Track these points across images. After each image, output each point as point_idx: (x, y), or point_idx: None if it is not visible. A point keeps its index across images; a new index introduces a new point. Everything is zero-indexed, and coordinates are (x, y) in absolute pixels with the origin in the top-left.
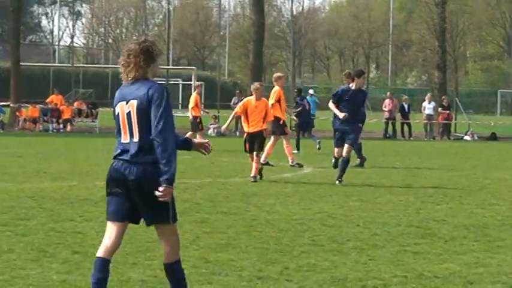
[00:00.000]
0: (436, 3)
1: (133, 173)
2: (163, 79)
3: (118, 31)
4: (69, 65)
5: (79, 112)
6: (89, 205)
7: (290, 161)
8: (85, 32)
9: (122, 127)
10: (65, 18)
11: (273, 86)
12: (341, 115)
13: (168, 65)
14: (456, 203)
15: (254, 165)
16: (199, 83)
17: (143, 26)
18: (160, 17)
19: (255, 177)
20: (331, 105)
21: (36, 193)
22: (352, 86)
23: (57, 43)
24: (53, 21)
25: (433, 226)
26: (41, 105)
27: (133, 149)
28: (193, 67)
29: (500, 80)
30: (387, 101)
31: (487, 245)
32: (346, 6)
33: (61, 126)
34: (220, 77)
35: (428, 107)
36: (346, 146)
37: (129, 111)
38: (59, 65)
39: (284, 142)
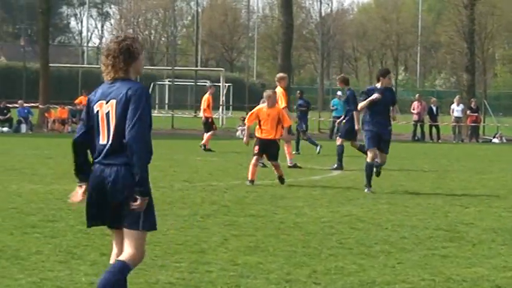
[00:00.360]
0: (465, 5)
1: (109, 176)
2: (192, 80)
3: (147, 32)
4: (98, 66)
5: None
6: None
7: (288, 162)
8: (113, 33)
9: (100, 127)
10: (93, 19)
11: (276, 87)
12: (374, 96)
13: (197, 67)
14: (485, 206)
15: (251, 168)
16: (211, 84)
17: (172, 27)
18: (189, 18)
19: (252, 181)
20: (360, 105)
21: (65, 194)
22: (379, 85)
23: (85, 44)
24: (81, 22)
25: (462, 229)
26: (70, 106)
27: (109, 150)
28: (222, 68)
29: None
30: (416, 103)
31: None
32: (374, 8)
33: None
34: (249, 79)
35: (456, 109)
36: (381, 154)
37: (108, 111)
38: (87, 66)
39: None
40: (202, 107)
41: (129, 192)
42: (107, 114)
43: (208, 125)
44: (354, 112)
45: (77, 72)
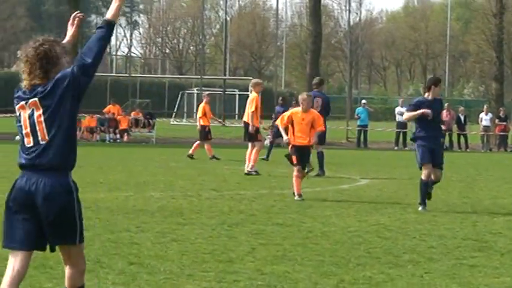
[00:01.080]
0: (494, 14)
1: (40, 188)
2: (220, 89)
3: (175, 41)
4: (127, 75)
5: (136, 122)
6: (145, 216)
7: (250, 167)
8: (142, 42)
9: (23, 129)
10: (122, 28)
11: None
12: (423, 110)
13: (225, 75)
14: None
15: (297, 182)
16: (207, 92)
17: (200, 36)
18: (218, 26)
19: (300, 195)
20: (406, 114)
21: (93, 203)
22: (429, 96)
23: (114, 53)
24: None
25: (490, 239)
26: (98, 115)
27: (38, 152)
28: (250, 77)
29: None
30: (444, 112)
31: None
32: (403, 17)
33: (118, 136)
34: (277, 88)
35: (485, 118)
36: (436, 169)
37: (32, 111)
38: (116, 74)
39: (250, 148)
40: (198, 116)
41: (63, 204)
42: (31, 114)
43: (204, 133)
44: None
45: (106, 81)
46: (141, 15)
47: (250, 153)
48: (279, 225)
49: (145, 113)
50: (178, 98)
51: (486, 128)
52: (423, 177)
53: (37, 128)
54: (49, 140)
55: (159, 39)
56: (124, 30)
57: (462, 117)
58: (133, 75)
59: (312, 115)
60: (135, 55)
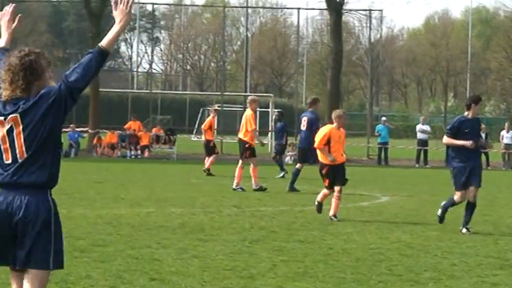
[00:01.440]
0: None
1: (15, 207)
2: (241, 106)
3: (196, 57)
4: (148, 91)
5: (157, 138)
6: (166, 232)
7: (254, 185)
8: (163, 58)
9: (1, 145)
10: (143, 44)
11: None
12: (468, 143)
13: (246, 92)
14: None
15: (334, 202)
16: (215, 106)
17: (221, 52)
18: (238, 43)
19: (335, 215)
20: (446, 139)
21: (114, 219)
22: (468, 114)
23: (135, 69)
24: (131, 47)
25: (511, 257)
26: (119, 131)
27: (15, 170)
28: (271, 94)
29: None
30: None
31: None
32: (424, 34)
33: (139, 152)
34: (298, 104)
35: (506, 136)
36: (472, 188)
37: (11, 126)
38: (137, 91)
39: (251, 166)
40: (203, 129)
41: (41, 223)
42: (9, 130)
43: (210, 148)
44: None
45: (127, 97)
46: (162, 31)
47: (240, 170)
48: (300, 242)
49: (166, 129)
50: (199, 115)
51: (507, 146)
52: (455, 198)
53: (16, 145)
54: (27, 158)
55: (180, 56)
56: (145, 47)
57: (484, 135)
58: (155, 91)
59: (343, 134)
60: (156, 71)
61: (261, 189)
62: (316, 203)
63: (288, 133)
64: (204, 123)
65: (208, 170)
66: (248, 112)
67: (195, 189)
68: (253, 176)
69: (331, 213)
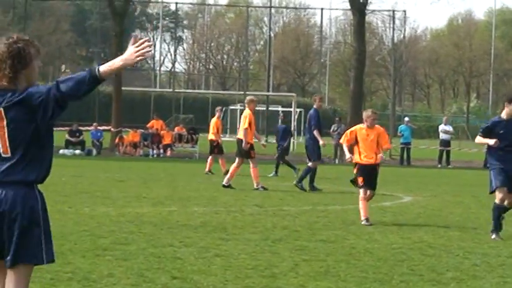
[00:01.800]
0: None
1: (4, 201)
2: (263, 105)
3: (219, 57)
4: (170, 90)
5: (179, 137)
6: (188, 230)
7: (255, 184)
8: (186, 57)
9: None
10: (166, 43)
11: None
12: (491, 142)
13: (268, 92)
14: None
15: (364, 205)
16: (219, 107)
17: (244, 52)
18: (261, 43)
19: (367, 219)
20: (477, 139)
21: (136, 218)
22: (504, 115)
23: (158, 68)
24: (154, 46)
25: None
26: (142, 130)
27: (2, 166)
28: (293, 94)
29: None
30: None
31: None
32: (447, 35)
33: (161, 151)
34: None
35: None
36: (511, 196)
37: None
38: (159, 90)
39: (251, 165)
40: (210, 131)
41: (31, 217)
42: None
43: (212, 148)
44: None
45: (149, 96)
46: (186, 30)
47: (235, 168)
48: (322, 242)
49: (189, 128)
50: (222, 114)
51: None
52: (497, 201)
53: None
54: (12, 155)
55: (203, 55)
56: (168, 46)
57: None
58: (177, 90)
59: (376, 131)
60: (178, 70)
61: (263, 188)
62: (364, 222)
63: (292, 135)
64: (211, 126)
65: (226, 171)
66: (246, 112)
67: (217, 188)
68: (254, 176)
69: (363, 217)
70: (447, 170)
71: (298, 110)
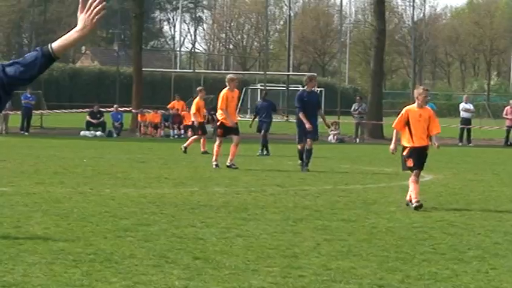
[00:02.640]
0: None
1: None
2: (284, 85)
3: (239, 37)
4: (190, 70)
5: None
6: (210, 211)
7: (229, 160)
8: (206, 37)
9: None
10: (186, 24)
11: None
12: None
13: (288, 71)
14: None
15: (415, 187)
16: (201, 87)
17: (264, 31)
18: (281, 22)
19: (418, 201)
20: None
21: (158, 199)
22: None
23: (178, 49)
24: (174, 26)
25: None
26: (162, 111)
27: None
28: (314, 73)
29: None
30: (508, 108)
31: None
32: (467, 13)
33: (182, 132)
34: (341, 83)
35: None
36: None
37: None
38: (180, 70)
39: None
40: (191, 112)
41: None
42: None
43: (195, 128)
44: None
45: (170, 77)
46: (205, 11)
47: (232, 148)
48: (343, 221)
49: (209, 109)
50: (242, 94)
51: None
52: None
53: None
54: None
55: (223, 35)
56: (188, 26)
57: None
58: (197, 71)
59: (428, 112)
60: (199, 51)
61: (233, 166)
62: (415, 204)
63: (275, 112)
64: (192, 106)
65: (185, 148)
66: (223, 91)
67: (239, 168)
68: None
69: (414, 198)
70: (468, 148)
71: (318, 89)
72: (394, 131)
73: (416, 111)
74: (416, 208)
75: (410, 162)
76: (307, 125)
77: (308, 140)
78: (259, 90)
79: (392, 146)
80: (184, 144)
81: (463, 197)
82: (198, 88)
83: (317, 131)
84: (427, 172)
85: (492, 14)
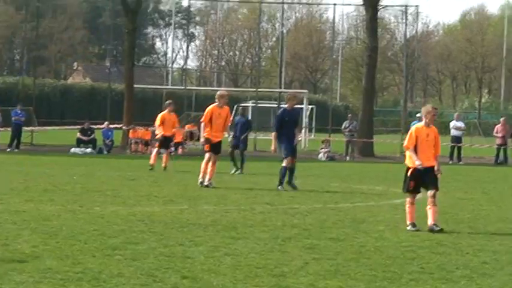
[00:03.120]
0: None
1: None
2: (275, 102)
3: (231, 53)
4: (182, 87)
5: (191, 135)
6: (199, 229)
7: (207, 179)
8: (198, 54)
9: None
10: (178, 40)
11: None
12: None
13: (280, 88)
14: None
15: (431, 209)
16: (170, 101)
17: (256, 48)
18: (274, 39)
19: (413, 224)
20: None
21: (147, 217)
22: None
23: (170, 65)
24: (166, 43)
25: None
26: (153, 128)
27: None
28: (305, 90)
29: None
30: (499, 126)
31: None
32: (459, 30)
33: (172, 149)
34: (332, 101)
35: None
36: None
37: None
38: (171, 87)
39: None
40: (156, 124)
41: None
42: None
43: (160, 141)
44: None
45: (161, 93)
46: (198, 27)
47: (211, 165)
48: (332, 240)
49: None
50: (233, 111)
51: None
52: None
53: None
54: None
55: (215, 52)
56: (180, 42)
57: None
58: (189, 87)
59: (434, 132)
60: (190, 67)
61: (210, 186)
62: (409, 228)
63: (251, 129)
64: (157, 119)
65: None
66: (210, 106)
67: (227, 186)
68: (205, 171)
69: (431, 222)
70: (458, 167)
71: (310, 106)
72: (409, 151)
73: (424, 131)
74: (432, 231)
75: (412, 185)
76: (273, 147)
77: (289, 158)
78: (250, 107)
79: (418, 162)
80: (150, 161)
81: (452, 216)
82: (167, 102)
83: (295, 149)
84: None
85: (484, 31)
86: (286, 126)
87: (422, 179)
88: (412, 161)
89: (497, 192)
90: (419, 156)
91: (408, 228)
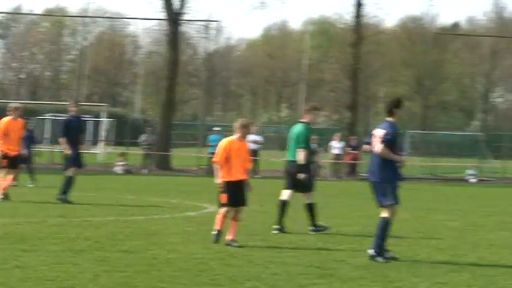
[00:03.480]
0: (351, 44)
1: None
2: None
3: (32, 66)
4: None
5: None
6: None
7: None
8: None
9: None
10: None
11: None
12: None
13: (80, 102)
14: (356, 244)
15: (233, 224)
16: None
17: (57, 62)
18: (74, 52)
19: (234, 241)
20: None
21: None
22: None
23: None
24: None
25: (332, 266)
26: None
27: None
28: (105, 104)
29: (409, 121)
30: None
31: (384, 285)
32: (261, 45)
33: None
34: (132, 114)
35: (337, 146)
36: None
37: None
38: None
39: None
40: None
41: None
42: None
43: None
44: None
45: None
46: None
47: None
48: (124, 252)
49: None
50: (34, 124)
51: (337, 156)
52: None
53: None
54: None
55: (15, 64)
56: None
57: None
58: None
59: (245, 146)
60: None
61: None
62: (214, 232)
63: (36, 142)
64: None
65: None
66: (4, 119)
67: (19, 198)
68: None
69: (230, 237)
70: (254, 180)
71: (110, 119)
72: (217, 165)
73: (237, 145)
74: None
75: (225, 198)
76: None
77: (73, 168)
78: (49, 120)
79: (219, 181)
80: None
81: (244, 228)
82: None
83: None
84: (212, 203)
85: (285, 46)
86: (71, 133)
87: (234, 193)
88: (224, 174)
89: (288, 206)
90: (232, 170)
91: (213, 233)
